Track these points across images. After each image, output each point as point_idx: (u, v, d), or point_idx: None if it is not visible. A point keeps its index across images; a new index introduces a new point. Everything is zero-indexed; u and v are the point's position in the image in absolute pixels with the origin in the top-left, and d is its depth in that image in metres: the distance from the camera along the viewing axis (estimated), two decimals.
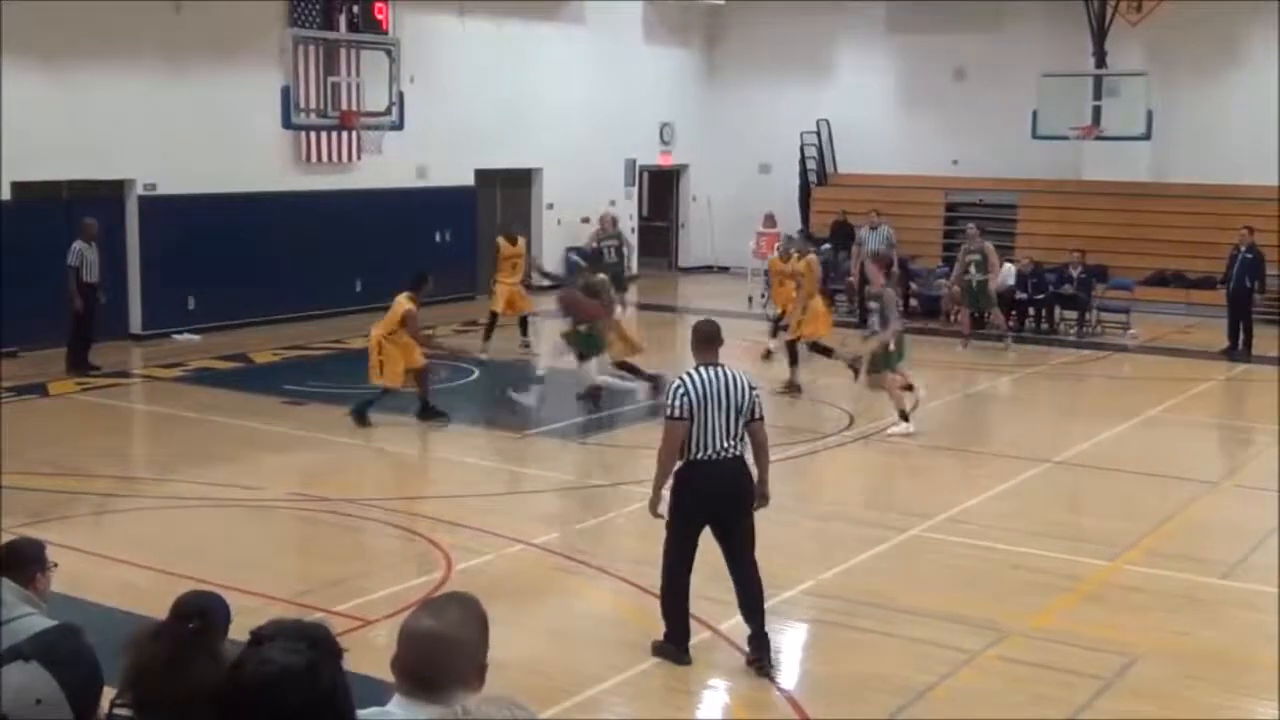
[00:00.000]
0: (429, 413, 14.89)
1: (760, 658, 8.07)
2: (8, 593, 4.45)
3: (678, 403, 7.95)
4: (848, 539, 10.87)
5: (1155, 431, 15.49)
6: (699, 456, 7.99)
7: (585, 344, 15.53)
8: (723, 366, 8.13)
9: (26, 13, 17.97)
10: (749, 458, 8.18)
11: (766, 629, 8.16)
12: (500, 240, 19.55)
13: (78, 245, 17.30)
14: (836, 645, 8.85)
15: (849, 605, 9.33)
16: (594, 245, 21.99)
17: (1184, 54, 24.60)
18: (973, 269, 20.67)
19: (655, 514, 8.32)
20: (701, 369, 8.07)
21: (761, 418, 8.10)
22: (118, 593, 9.09)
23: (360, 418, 14.56)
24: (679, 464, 8.12)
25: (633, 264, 23.93)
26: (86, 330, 17.58)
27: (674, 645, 8.22)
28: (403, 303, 14.52)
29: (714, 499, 8.09)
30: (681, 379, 8.08)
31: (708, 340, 8.24)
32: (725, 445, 7.97)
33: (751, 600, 8.16)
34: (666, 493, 8.26)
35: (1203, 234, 23.68)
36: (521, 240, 19.76)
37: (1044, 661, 8.37)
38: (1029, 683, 8.09)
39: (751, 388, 8.08)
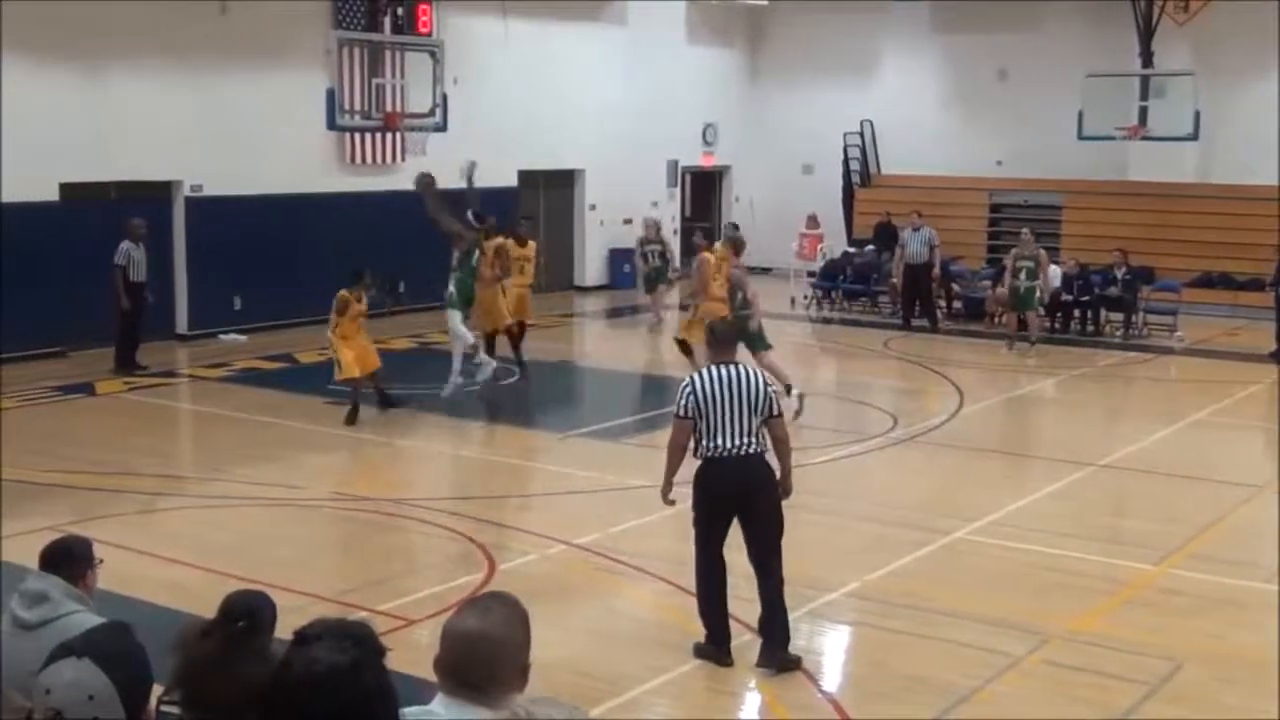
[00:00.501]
0: (388, 401, 15.44)
1: (771, 653, 8.08)
2: (56, 590, 4.50)
3: (683, 402, 8.11)
4: (891, 541, 10.84)
5: (1201, 435, 15.37)
6: (712, 454, 8.06)
7: (459, 297, 15.92)
8: (738, 365, 8.19)
9: (72, 15, 18.16)
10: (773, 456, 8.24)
11: (788, 631, 8.18)
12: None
13: (125, 245, 17.45)
14: (879, 647, 8.82)
15: (892, 608, 9.30)
16: (638, 250, 22.02)
17: (1231, 54, 24.37)
18: (1024, 275, 20.38)
19: (665, 501, 8.51)
20: (713, 368, 8.15)
21: (779, 414, 8.16)
22: (164, 591, 9.17)
23: (387, 400, 15.28)
24: (699, 462, 8.19)
25: (675, 265, 23.77)
26: (134, 330, 17.73)
27: (715, 647, 8.23)
28: (342, 294, 14.97)
29: (730, 496, 8.12)
30: (690, 378, 8.23)
31: (723, 340, 8.36)
32: (739, 443, 8.00)
33: (767, 597, 8.16)
34: (687, 489, 8.33)
35: (1250, 235, 23.46)
36: (533, 243, 18.87)
37: (1088, 666, 8.33)
38: (1073, 687, 8.05)
39: (768, 387, 8.12)
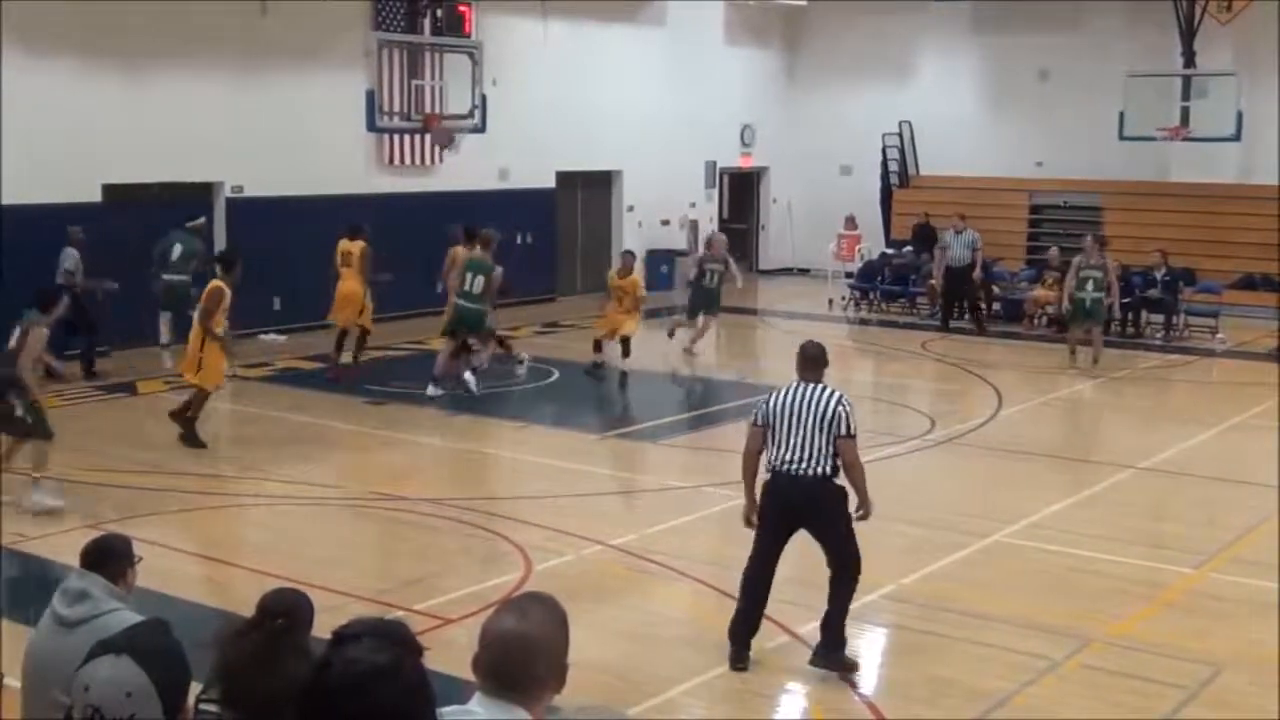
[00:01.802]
0: (191, 436, 13.79)
1: (823, 654, 8.09)
2: (97, 588, 4.55)
3: (758, 410, 8.22)
4: (929, 544, 10.80)
5: (1242, 438, 15.24)
6: (775, 467, 8.09)
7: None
8: (818, 385, 8.12)
9: (113, 16, 18.32)
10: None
11: (843, 643, 8.16)
12: (458, 249, 17.49)
13: (74, 253, 16.90)
14: (916, 650, 8.79)
15: (929, 610, 9.27)
16: (697, 268, 19.86)
17: (1275, 54, 24.10)
18: (1090, 285, 19.06)
19: (746, 523, 8.40)
20: (795, 384, 8.15)
21: (850, 435, 8.01)
22: (203, 589, 9.24)
23: (191, 438, 13.75)
24: (767, 474, 8.20)
25: (737, 280, 21.41)
26: (95, 337, 17.30)
27: (732, 645, 8.22)
28: (213, 282, 13.81)
29: (783, 511, 8.11)
30: (773, 390, 8.26)
31: (809, 361, 8.28)
32: (800, 461, 7.95)
33: (829, 609, 8.15)
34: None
35: None
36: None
37: (1127, 670, 8.28)
38: (1111, 691, 8.00)
39: (840, 405, 7.99)
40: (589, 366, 17.94)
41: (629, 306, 17.85)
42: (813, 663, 8.13)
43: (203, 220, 17.68)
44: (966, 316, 22.78)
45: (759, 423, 8.15)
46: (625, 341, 17.73)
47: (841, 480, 8.10)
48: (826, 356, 8.35)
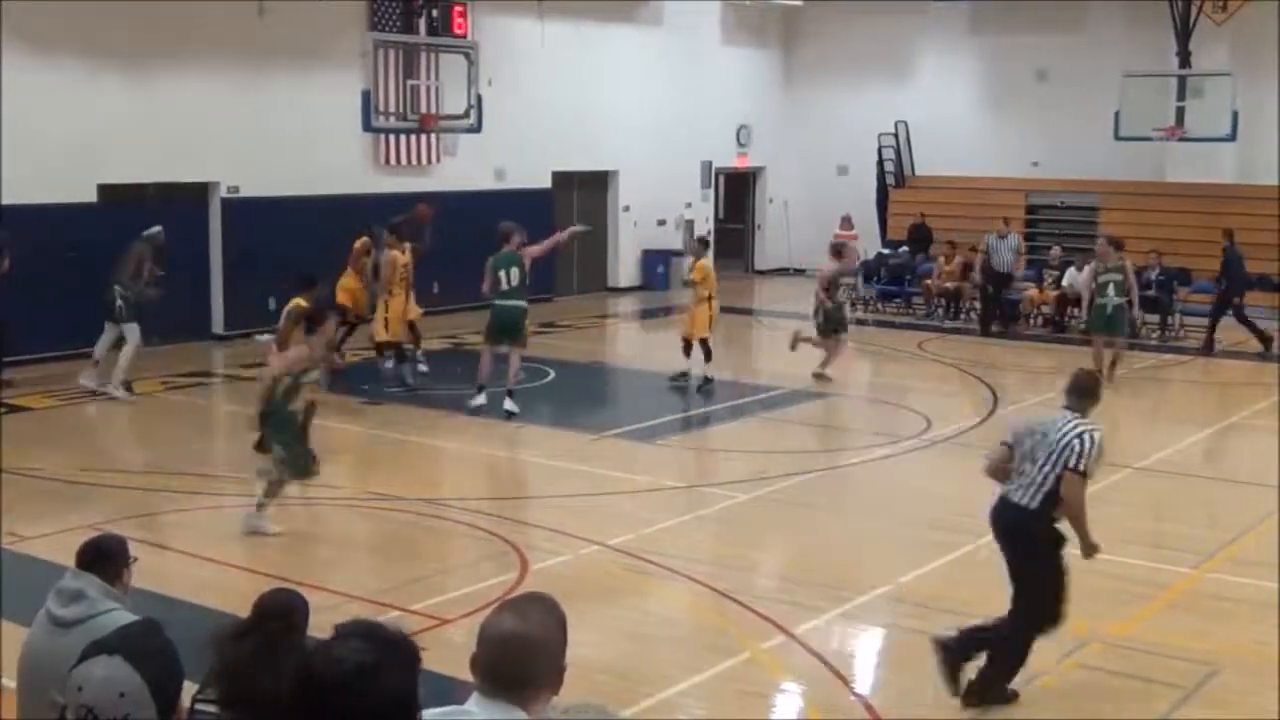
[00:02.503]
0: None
1: (973, 687, 7.73)
2: (93, 588, 4.53)
3: (1014, 427, 8.01)
4: (925, 543, 10.78)
5: (1239, 437, 15.25)
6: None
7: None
8: (1069, 417, 7.73)
9: (113, 16, 18.30)
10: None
11: (986, 679, 7.75)
12: (395, 254, 16.92)
13: None
14: (912, 650, 8.74)
15: (925, 610, 9.25)
16: (834, 281, 18.30)
17: (1270, 54, 24.12)
18: (1111, 291, 17.97)
19: None
20: (1056, 412, 7.87)
21: (1073, 468, 7.55)
22: (199, 589, 9.21)
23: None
24: None
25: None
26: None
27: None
28: (294, 301, 13.60)
29: (996, 537, 7.95)
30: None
31: (1076, 389, 7.91)
32: (1015, 489, 7.73)
33: (993, 641, 7.81)
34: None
35: None
36: (409, 247, 17.25)
37: (1125, 670, 8.27)
38: (1109, 691, 8.00)
39: (1076, 437, 7.55)
40: (673, 375, 17.25)
41: (702, 296, 16.99)
42: (966, 700, 7.66)
43: (159, 230, 17.01)
44: (974, 315, 22.72)
45: (1007, 440, 7.88)
46: (703, 344, 16.92)
47: (1061, 523, 7.77)
48: (1098, 391, 7.94)
